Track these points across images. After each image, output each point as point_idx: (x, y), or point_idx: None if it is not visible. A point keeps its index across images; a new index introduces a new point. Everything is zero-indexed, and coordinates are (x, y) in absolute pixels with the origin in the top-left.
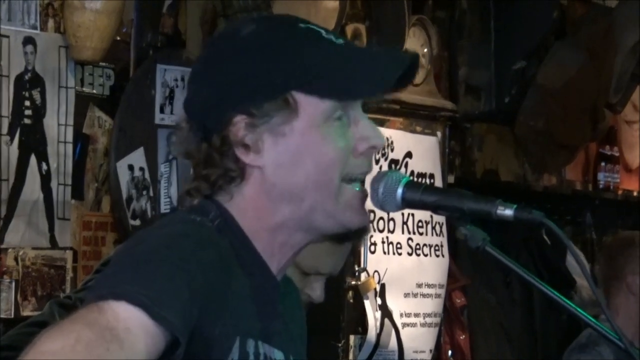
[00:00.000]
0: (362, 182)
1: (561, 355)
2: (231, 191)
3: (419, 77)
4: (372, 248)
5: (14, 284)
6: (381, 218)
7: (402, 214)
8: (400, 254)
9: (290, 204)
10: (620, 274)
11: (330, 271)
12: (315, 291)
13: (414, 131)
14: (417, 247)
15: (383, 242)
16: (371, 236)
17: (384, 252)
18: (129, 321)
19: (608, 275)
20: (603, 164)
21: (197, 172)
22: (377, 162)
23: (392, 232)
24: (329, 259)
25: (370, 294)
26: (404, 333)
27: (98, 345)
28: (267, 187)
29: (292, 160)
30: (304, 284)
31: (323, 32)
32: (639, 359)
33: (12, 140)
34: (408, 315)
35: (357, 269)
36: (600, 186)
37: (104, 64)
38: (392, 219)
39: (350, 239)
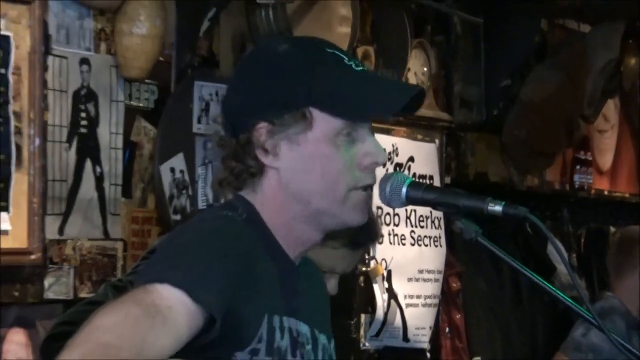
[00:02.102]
0: (368, 188)
1: (545, 334)
2: (254, 186)
3: None
4: (380, 239)
5: (72, 270)
6: (387, 213)
7: (406, 210)
8: (404, 245)
9: (300, 204)
10: (634, 262)
11: (343, 271)
12: (331, 287)
13: (415, 139)
14: (419, 238)
15: (389, 234)
16: (380, 240)
17: (390, 243)
18: (172, 300)
19: (621, 261)
20: (578, 167)
21: (225, 164)
22: (384, 165)
23: (397, 225)
24: (344, 262)
25: (379, 279)
26: (408, 312)
27: (144, 320)
28: (282, 187)
29: (304, 166)
30: (325, 282)
31: (346, 58)
32: (608, 334)
33: (70, 146)
34: (411, 297)
35: (367, 257)
36: (576, 186)
37: (148, 81)
38: (397, 214)
39: (364, 245)
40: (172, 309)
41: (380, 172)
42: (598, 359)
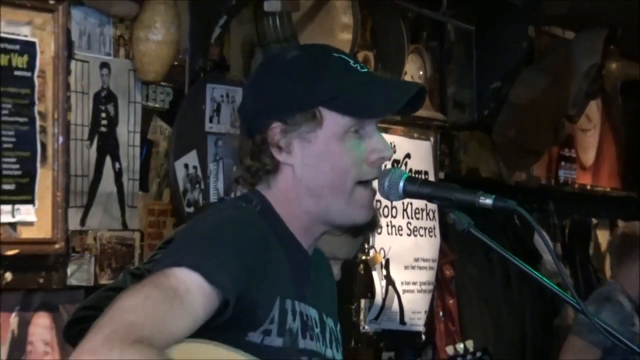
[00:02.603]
0: (370, 183)
1: (533, 318)
2: (269, 182)
3: None
4: (379, 230)
5: (93, 258)
6: (386, 206)
7: (403, 203)
8: (401, 235)
9: (312, 199)
10: (635, 254)
11: (345, 257)
12: (336, 273)
13: (412, 137)
14: (415, 229)
15: (387, 226)
16: (379, 229)
17: (388, 234)
18: (189, 284)
19: (624, 253)
20: (563, 163)
21: (242, 164)
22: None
23: (395, 217)
24: (345, 248)
25: (377, 267)
26: (404, 298)
27: (163, 302)
28: (295, 182)
29: (315, 162)
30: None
31: (351, 61)
32: (590, 317)
33: (91, 144)
34: (407, 283)
35: (366, 247)
36: (561, 181)
37: (164, 83)
38: (395, 207)
39: (364, 233)
40: (190, 291)
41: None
42: (607, 340)
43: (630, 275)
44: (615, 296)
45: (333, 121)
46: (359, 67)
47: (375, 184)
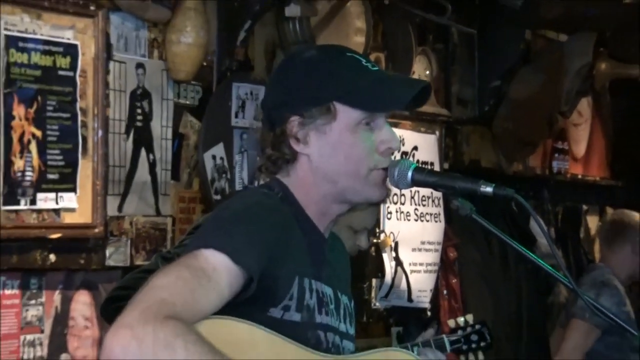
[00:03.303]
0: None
1: (528, 295)
2: (288, 171)
3: None
4: (389, 216)
5: (129, 241)
6: (395, 194)
7: (411, 191)
8: (409, 220)
9: (328, 184)
10: (625, 242)
11: (370, 225)
12: (362, 242)
13: (419, 131)
14: (422, 215)
15: (397, 212)
16: (388, 207)
17: (397, 219)
18: (216, 263)
19: (613, 238)
20: (556, 154)
21: (264, 153)
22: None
23: (403, 204)
24: (369, 217)
25: (387, 249)
26: (412, 277)
27: (193, 280)
28: (313, 170)
29: (330, 152)
30: (355, 238)
31: (363, 60)
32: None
33: (127, 137)
34: (414, 264)
35: (377, 231)
36: (554, 171)
37: (194, 82)
38: (403, 195)
39: (375, 205)
40: (217, 270)
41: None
42: (607, 320)
43: (619, 260)
44: (611, 280)
45: (346, 114)
46: (370, 66)
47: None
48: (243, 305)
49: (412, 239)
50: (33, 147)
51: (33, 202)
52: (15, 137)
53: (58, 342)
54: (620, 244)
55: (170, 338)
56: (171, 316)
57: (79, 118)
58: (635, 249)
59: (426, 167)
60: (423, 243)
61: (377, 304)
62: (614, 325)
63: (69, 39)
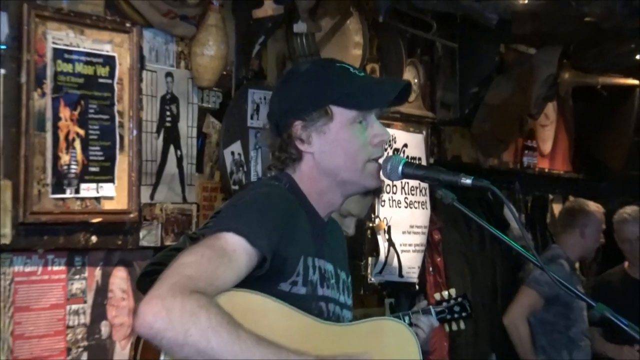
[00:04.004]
0: (377, 159)
1: (502, 271)
2: (294, 167)
3: (411, 97)
4: (383, 203)
5: (160, 225)
6: (388, 185)
7: (401, 182)
8: (399, 207)
9: (329, 177)
10: (575, 226)
11: (358, 214)
12: (349, 228)
13: (408, 131)
14: (410, 203)
15: (389, 200)
16: (382, 196)
17: (390, 206)
18: (235, 245)
19: (566, 223)
20: (526, 151)
21: (273, 155)
22: (385, 150)
23: (395, 193)
24: (357, 206)
25: (381, 232)
26: (402, 256)
27: (215, 259)
28: (316, 166)
29: (330, 149)
30: (341, 223)
31: (351, 68)
32: (547, 272)
33: (158, 136)
34: (404, 245)
35: (373, 216)
36: (525, 165)
37: (215, 89)
38: (395, 185)
39: (370, 195)
40: (235, 251)
41: (383, 155)
42: (550, 291)
43: (570, 242)
44: (557, 259)
45: (341, 115)
46: (357, 72)
47: (381, 161)
48: (257, 280)
49: (403, 223)
50: (77, 144)
51: (77, 191)
52: (61, 135)
53: (99, 311)
54: (572, 228)
55: (195, 309)
56: (196, 290)
57: (117, 119)
58: (583, 233)
59: (414, 162)
60: (412, 227)
61: (373, 279)
62: (557, 296)
63: (107, 51)
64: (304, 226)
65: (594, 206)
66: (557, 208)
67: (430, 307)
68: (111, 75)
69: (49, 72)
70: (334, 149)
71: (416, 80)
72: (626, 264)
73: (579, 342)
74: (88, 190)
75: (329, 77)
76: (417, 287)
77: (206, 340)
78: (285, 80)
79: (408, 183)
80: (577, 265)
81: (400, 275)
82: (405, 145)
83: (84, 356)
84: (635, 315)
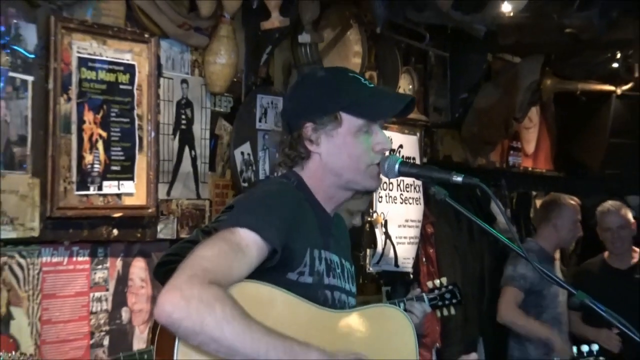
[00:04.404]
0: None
1: (489, 262)
2: (302, 165)
3: None
4: (380, 199)
5: (175, 219)
6: (385, 182)
7: (397, 180)
8: (395, 203)
9: (335, 176)
10: (549, 218)
11: (363, 209)
12: (357, 221)
13: (403, 133)
14: (405, 199)
15: (386, 196)
16: (379, 192)
17: (387, 202)
18: (248, 240)
19: (542, 217)
20: (512, 151)
21: (283, 153)
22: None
23: (391, 190)
24: (362, 202)
25: (379, 225)
26: (398, 248)
27: (230, 253)
28: (322, 165)
29: (337, 151)
30: (351, 218)
31: (362, 79)
32: (531, 261)
33: (174, 137)
34: (400, 237)
35: (371, 211)
36: (510, 164)
37: (226, 94)
38: (392, 183)
39: (370, 193)
40: (248, 245)
41: None
42: (525, 283)
43: (546, 233)
44: (528, 252)
45: (349, 122)
46: (367, 83)
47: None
48: (267, 270)
49: (398, 217)
50: (100, 145)
51: (100, 188)
52: (85, 137)
53: (119, 298)
54: (547, 221)
55: (211, 301)
56: (212, 282)
57: (136, 122)
58: (556, 224)
59: (409, 161)
60: (407, 221)
61: (371, 268)
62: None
63: (128, 60)
64: (310, 221)
65: (566, 199)
66: (539, 204)
67: (424, 294)
68: (131, 81)
69: (74, 79)
70: (340, 151)
71: (411, 87)
72: (606, 253)
73: (551, 327)
74: (110, 187)
75: (341, 85)
76: (411, 276)
77: (220, 330)
78: (301, 83)
79: (403, 181)
80: (557, 255)
81: (396, 265)
82: (401, 146)
83: (106, 340)
84: (614, 302)
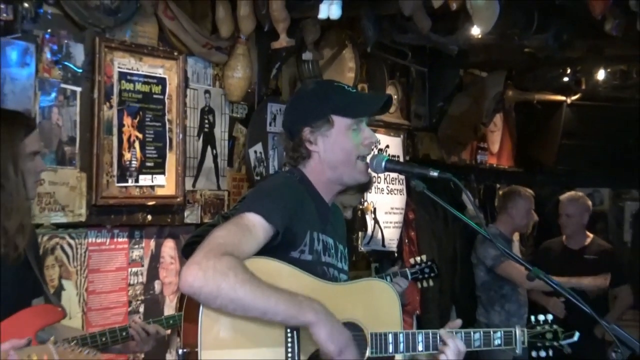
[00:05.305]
0: (366, 158)
1: (461, 243)
2: (304, 163)
3: (392, 109)
4: (370, 191)
5: (199, 207)
6: (374, 176)
7: (384, 175)
8: (383, 193)
9: (331, 171)
10: (507, 207)
11: (354, 205)
12: (349, 214)
13: (390, 135)
14: (391, 190)
15: (375, 188)
16: (370, 190)
17: (375, 193)
18: (255, 222)
19: (501, 206)
20: (479, 151)
21: (287, 154)
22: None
23: (380, 183)
24: (355, 200)
25: (369, 212)
26: (385, 231)
27: (240, 232)
28: (321, 162)
29: (332, 148)
30: (344, 211)
31: (345, 86)
32: (496, 244)
33: (199, 139)
34: (387, 222)
35: (362, 201)
36: (478, 162)
37: (242, 102)
38: (380, 177)
39: (364, 190)
40: (255, 226)
41: (371, 153)
42: (489, 262)
43: (503, 219)
44: (495, 236)
45: (340, 122)
46: (350, 89)
47: (368, 159)
48: (274, 249)
49: (385, 206)
50: (136, 145)
51: (136, 181)
52: (124, 138)
53: (153, 272)
54: (504, 209)
55: (225, 269)
56: (225, 254)
57: (167, 126)
58: (511, 212)
59: (394, 159)
60: (392, 209)
61: (362, 248)
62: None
63: (160, 74)
64: (311, 208)
65: (521, 191)
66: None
67: (406, 269)
68: (163, 92)
69: (115, 90)
70: (334, 148)
71: (396, 96)
72: (564, 237)
73: (511, 297)
74: (145, 180)
75: (329, 93)
76: (396, 254)
77: (235, 292)
78: (295, 96)
79: (389, 175)
80: (517, 237)
81: (383, 245)
82: (387, 146)
83: (141, 307)
84: (568, 275)
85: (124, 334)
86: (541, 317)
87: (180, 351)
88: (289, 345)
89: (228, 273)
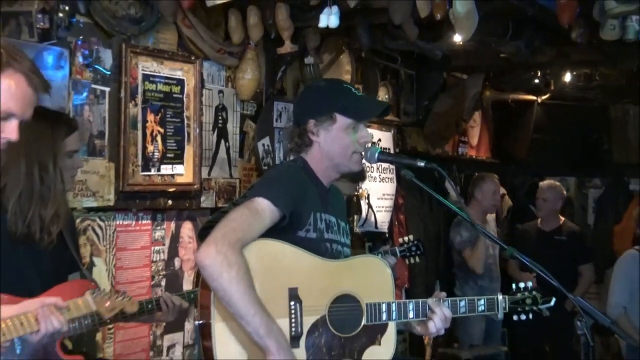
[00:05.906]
0: (360, 153)
1: (444, 224)
2: (307, 152)
3: None
4: (364, 179)
5: (214, 193)
6: (368, 166)
7: (377, 165)
8: (376, 181)
9: (329, 160)
10: (473, 193)
11: (349, 193)
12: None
13: (382, 130)
14: (383, 178)
15: (369, 176)
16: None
17: (369, 180)
18: (263, 206)
19: (471, 192)
20: (461, 144)
21: (292, 142)
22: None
23: (373, 172)
24: (350, 188)
25: (363, 198)
26: (378, 214)
27: (250, 216)
28: (321, 151)
29: (331, 142)
30: None
31: (353, 88)
32: (476, 226)
33: (213, 133)
34: (379, 207)
35: (358, 188)
36: (459, 154)
37: (252, 101)
38: (372, 166)
39: (358, 181)
40: (264, 210)
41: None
42: (457, 245)
43: (472, 203)
44: (462, 221)
45: (342, 121)
46: (357, 92)
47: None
48: (282, 229)
49: (378, 192)
50: (158, 138)
51: (159, 170)
52: (148, 132)
53: (173, 251)
54: (473, 194)
55: (232, 262)
56: (236, 240)
57: (185, 122)
58: (478, 196)
59: (386, 150)
60: (384, 195)
61: (357, 230)
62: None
63: (179, 76)
64: (313, 191)
65: (485, 177)
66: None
67: (396, 247)
68: (182, 92)
69: (140, 90)
70: (333, 142)
71: (387, 96)
72: (539, 220)
73: (484, 275)
74: (166, 169)
75: (337, 93)
76: (387, 235)
77: (229, 284)
78: (307, 90)
79: (381, 165)
80: (493, 217)
81: (376, 227)
82: (380, 140)
83: (163, 282)
84: (544, 257)
85: (151, 305)
86: (521, 285)
87: (196, 322)
88: (292, 316)
89: (233, 267)
